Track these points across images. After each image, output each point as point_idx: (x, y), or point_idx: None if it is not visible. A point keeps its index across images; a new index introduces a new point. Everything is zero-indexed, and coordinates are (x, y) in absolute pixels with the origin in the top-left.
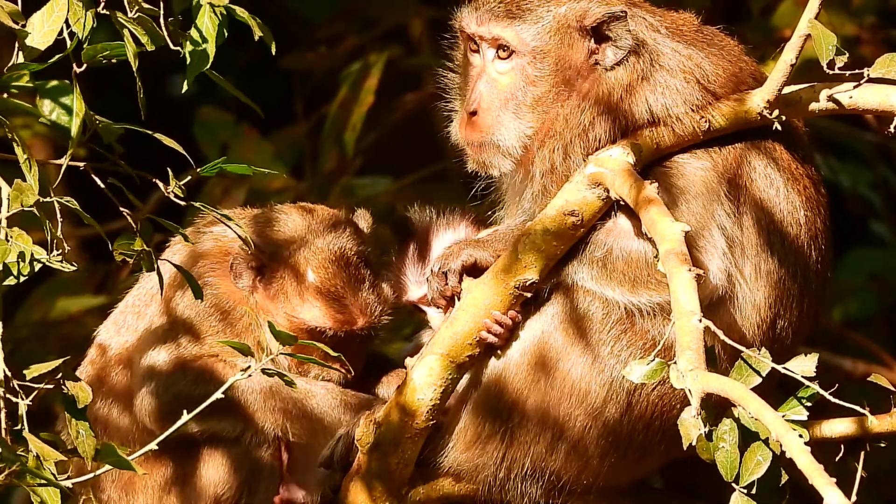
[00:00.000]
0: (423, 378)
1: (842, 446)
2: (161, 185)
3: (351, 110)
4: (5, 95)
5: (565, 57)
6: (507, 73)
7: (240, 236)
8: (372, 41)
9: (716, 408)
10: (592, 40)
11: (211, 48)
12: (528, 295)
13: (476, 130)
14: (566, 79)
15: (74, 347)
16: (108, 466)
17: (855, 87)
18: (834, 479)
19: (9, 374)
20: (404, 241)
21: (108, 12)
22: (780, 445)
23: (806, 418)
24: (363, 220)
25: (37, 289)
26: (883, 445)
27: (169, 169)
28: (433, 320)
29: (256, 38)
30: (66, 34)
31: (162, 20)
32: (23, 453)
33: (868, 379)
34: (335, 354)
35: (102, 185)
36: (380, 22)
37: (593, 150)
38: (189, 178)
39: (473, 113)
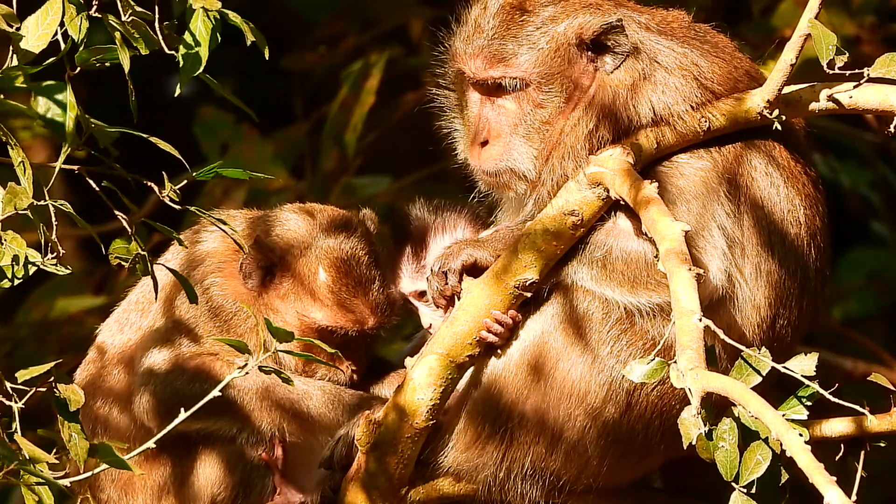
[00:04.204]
0: (422, 378)
1: (842, 446)
2: (156, 188)
3: (352, 110)
4: (1, 96)
5: (567, 73)
6: (514, 100)
7: (235, 241)
8: (372, 41)
9: (716, 407)
10: (590, 51)
11: (204, 52)
12: (528, 295)
13: (490, 159)
14: (570, 93)
15: (74, 347)
16: (105, 465)
17: (855, 87)
18: (834, 478)
19: (2, 376)
20: (403, 236)
21: (100, 15)
22: (781, 444)
23: (806, 417)
24: (369, 220)
25: (36, 289)
26: (883, 445)
27: (164, 173)
28: (423, 316)
29: (249, 42)
30: (60, 37)
31: (157, 24)
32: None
33: (868, 379)
34: (334, 353)
35: (97, 189)
36: (380, 22)
37: (596, 150)
38: (185, 181)
39: (484, 142)
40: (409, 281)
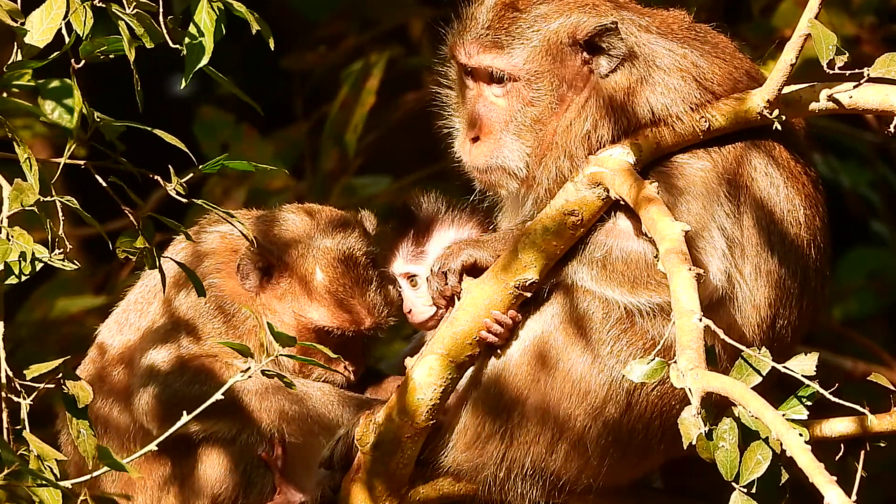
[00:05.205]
0: (423, 378)
1: (842, 446)
2: (163, 182)
3: (352, 111)
4: (5, 94)
5: (559, 73)
6: (504, 96)
7: (244, 234)
8: (372, 41)
9: (716, 407)
10: (585, 52)
11: (208, 42)
12: (528, 295)
13: (480, 155)
14: (562, 93)
15: (74, 347)
16: (106, 468)
17: (855, 87)
18: (834, 478)
19: (10, 373)
20: (409, 219)
21: (104, 5)
22: (781, 444)
23: (806, 417)
24: (368, 221)
25: (37, 289)
26: (883, 445)
27: (170, 166)
28: (406, 300)
29: (254, 31)
30: (64, 31)
31: (161, 17)
32: (24, 453)
33: (868, 378)
34: (336, 356)
35: (104, 184)
36: (380, 22)
37: (595, 151)
38: (191, 175)
39: (476, 138)
40: (403, 262)
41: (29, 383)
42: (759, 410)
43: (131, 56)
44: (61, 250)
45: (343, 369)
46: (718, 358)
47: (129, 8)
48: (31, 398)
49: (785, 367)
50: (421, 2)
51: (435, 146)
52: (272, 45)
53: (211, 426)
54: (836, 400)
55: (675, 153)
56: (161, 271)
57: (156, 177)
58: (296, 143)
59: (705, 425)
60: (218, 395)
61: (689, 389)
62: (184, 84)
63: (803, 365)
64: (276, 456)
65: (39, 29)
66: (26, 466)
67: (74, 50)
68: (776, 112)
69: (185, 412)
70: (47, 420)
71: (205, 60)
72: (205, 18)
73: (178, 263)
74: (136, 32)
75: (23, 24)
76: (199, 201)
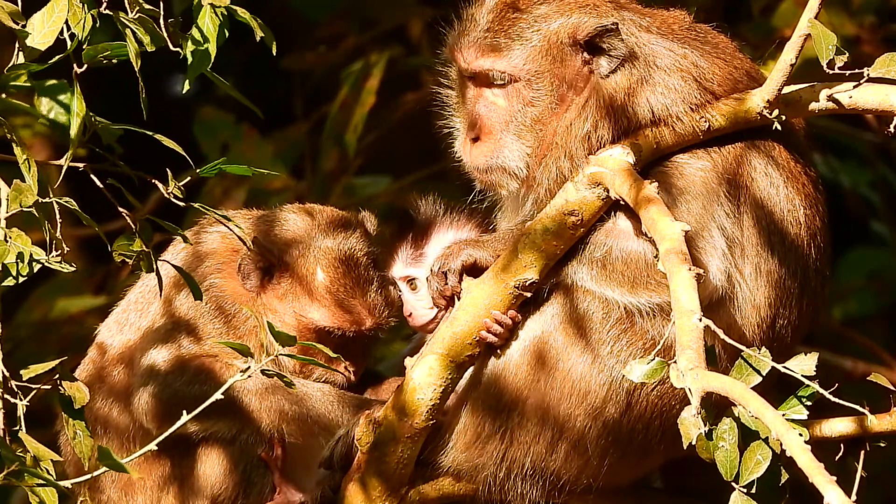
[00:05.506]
0: (422, 378)
1: (842, 446)
2: (160, 185)
3: (352, 111)
4: (4, 95)
5: (559, 73)
6: (505, 97)
7: (240, 237)
8: (372, 41)
9: (715, 407)
10: (585, 53)
11: (212, 48)
12: (528, 295)
13: (481, 155)
14: (562, 93)
15: (74, 347)
16: (105, 468)
17: (855, 87)
18: (834, 478)
19: (7, 374)
20: (408, 223)
21: (110, 13)
22: (781, 444)
23: (806, 417)
24: (368, 221)
25: (37, 289)
26: (883, 445)
27: (168, 170)
28: (406, 303)
29: (258, 38)
30: (66, 35)
31: (162, 20)
32: (21, 454)
33: (868, 378)
34: (336, 356)
35: (102, 186)
36: (380, 22)
37: (595, 151)
38: (188, 178)
39: (476, 138)
40: (402, 265)
41: (26, 384)
42: (759, 410)
43: (137, 65)
44: (59, 252)
45: (343, 369)
46: (718, 358)
47: (131, 12)
48: (28, 399)
49: (785, 367)
50: (421, 2)
51: (435, 146)
52: (275, 51)
53: (211, 426)
54: (836, 400)
55: (675, 153)
56: (158, 275)
57: (154, 180)
58: (296, 143)
59: (705, 425)
60: (218, 395)
61: (689, 389)
62: (186, 88)
63: (803, 365)
64: (276, 456)
65: (41, 31)
66: (25, 466)
67: (77, 53)
68: (776, 112)
69: (184, 412)
70: (47, 420)
71: (208, 66)
72: (208, 24)
73: (175, 267)
74: (140, 38)
75: (24, 26)
76: (198, 205)
